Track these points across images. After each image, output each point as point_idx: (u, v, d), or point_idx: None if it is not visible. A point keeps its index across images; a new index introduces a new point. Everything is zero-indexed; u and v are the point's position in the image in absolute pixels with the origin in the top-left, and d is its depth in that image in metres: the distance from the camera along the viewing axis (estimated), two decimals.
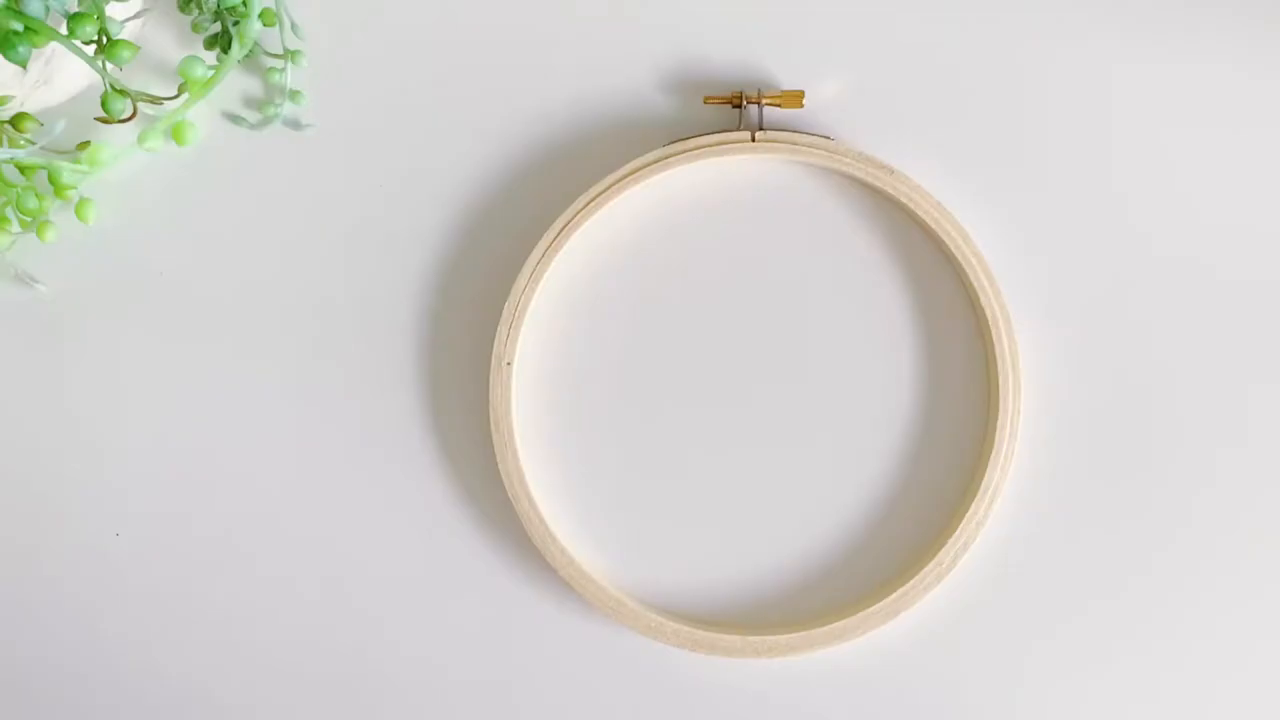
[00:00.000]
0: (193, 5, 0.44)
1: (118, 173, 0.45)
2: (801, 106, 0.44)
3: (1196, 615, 0.44)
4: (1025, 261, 0.44)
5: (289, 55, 0.45)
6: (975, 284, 0.43)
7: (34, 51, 0.40)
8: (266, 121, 0.46)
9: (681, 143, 0.43)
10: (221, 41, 0.44)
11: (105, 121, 0.43)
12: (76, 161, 0.43)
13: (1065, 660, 0.44)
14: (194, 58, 0.43)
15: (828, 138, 0.43)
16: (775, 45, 0.45)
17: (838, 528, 0.44)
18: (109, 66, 0.42)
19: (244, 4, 0.43)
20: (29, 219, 0.44)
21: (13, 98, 0.44)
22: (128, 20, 0.42)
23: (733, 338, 0.45)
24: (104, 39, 0.41)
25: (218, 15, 0.44)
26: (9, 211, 0.44)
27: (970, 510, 0.43)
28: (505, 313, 0.44)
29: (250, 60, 0.46)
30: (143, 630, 0.46)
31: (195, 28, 0.44)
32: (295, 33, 0.45)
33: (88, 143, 0.45)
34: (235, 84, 0.46)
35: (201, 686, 0.46)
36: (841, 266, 0.45)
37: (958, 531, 0.43)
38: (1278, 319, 0.44)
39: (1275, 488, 0.44)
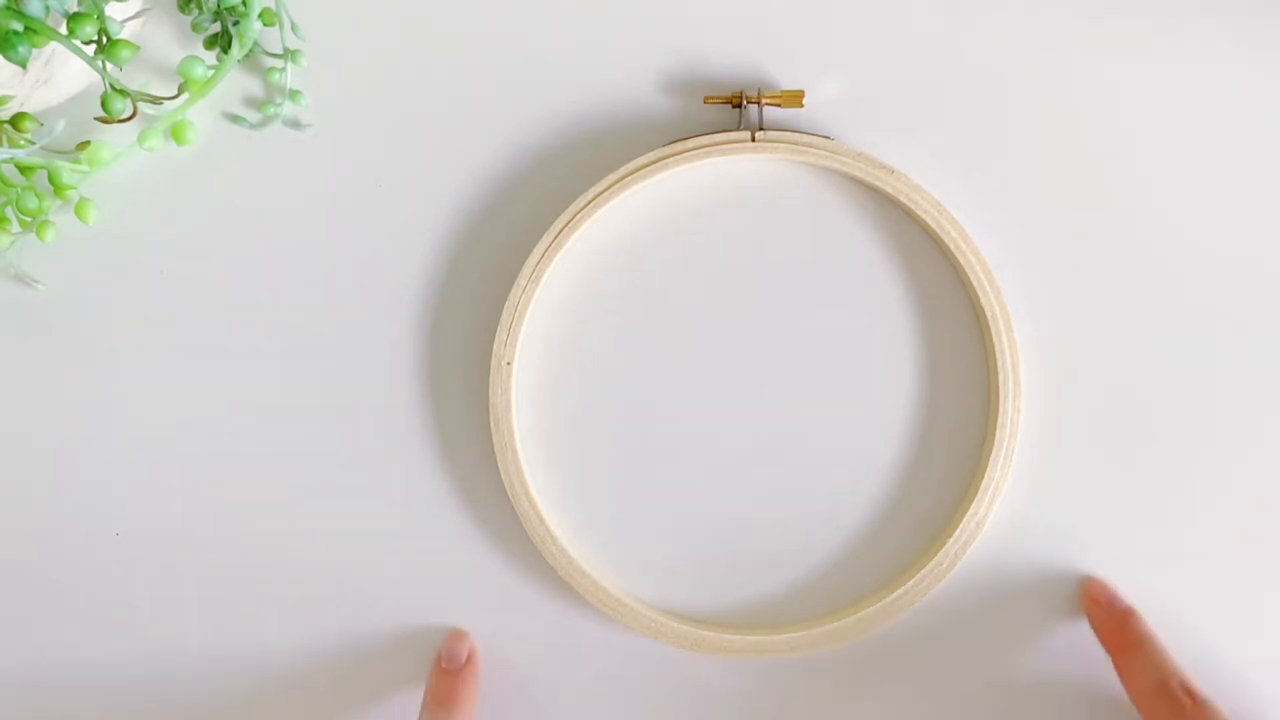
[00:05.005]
0: (193, 5, 0.44)
1: (118, 173, 0.45)
2: (801, 106, 0.44)
3: (1196, 614, 0.44)
4: (1025, 261, 0.44)
5: (289, 55, 0.45)
6: (975, 284, 0.43)
7: (34, 51, 0.40)
8: (266, 121, 0.46)
9: (681, 143, 0.43)
10: (221, 41, 0.44)
11: (105, 121, 0.43)
12: (76, 161, 0.43)
13: (1065, 659, 0.44)
14: (194, 58, 0.43)
15: (828, 138, 0.43)
16: (775, 45, 0.45)
17: (837, 528, 0.44)
18: (109, 66, 0.42)
19: (244, 4, 0.43)
20: (29, 219, 0.44)
21: (13, 98, 0.44)
22: (128, 20, 0.42)
23: (732, 338, 0.45)
24: (104, 39, 0.41)
25: (218, 15, 0.44)
26: (9, 211, 0.44)
27: (970, 510, 0.43)
28: (505, 313, 0.44)
29: (250, 60, 0.46)
30: (142, 630, 0.46)
31: (195, 28, 0.44)
32: (295, 33, 0.45)
33: (88, 143, 0.44)
34: (235, 84, 0.46)
35: (201, 686, 0.46)
36: (841, 266, 0.45)
37: (958, 531, 0.43)
38: (1277, 318, 0.44)
39: (1276, 486, 0.44)
